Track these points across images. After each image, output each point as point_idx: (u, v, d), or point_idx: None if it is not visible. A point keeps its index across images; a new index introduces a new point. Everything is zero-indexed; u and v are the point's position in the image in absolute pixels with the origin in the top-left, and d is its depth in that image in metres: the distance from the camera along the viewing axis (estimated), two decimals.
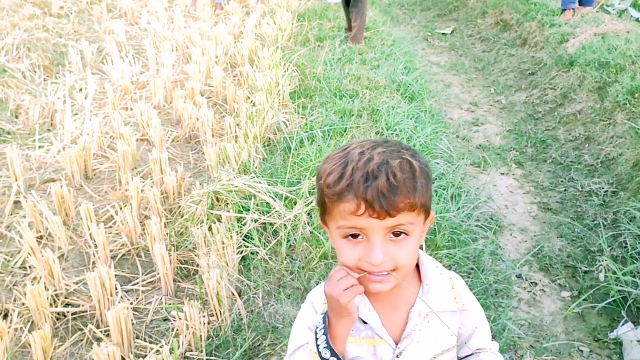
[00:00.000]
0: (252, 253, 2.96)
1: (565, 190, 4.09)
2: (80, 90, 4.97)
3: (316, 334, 1.15)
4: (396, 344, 1.21)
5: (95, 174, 3.87)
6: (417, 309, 1.21)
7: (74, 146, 3.85)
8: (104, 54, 5.81)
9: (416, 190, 1.05)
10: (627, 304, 2.91)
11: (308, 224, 3.00)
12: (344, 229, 1.08)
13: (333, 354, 1.12)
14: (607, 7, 7.44)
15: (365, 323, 1.20)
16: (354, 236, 1.08)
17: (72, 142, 4.08)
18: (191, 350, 2.52)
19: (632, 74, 4.63)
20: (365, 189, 1.02)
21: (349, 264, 1.10)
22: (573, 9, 6.57)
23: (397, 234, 1.08)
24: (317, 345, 1.14)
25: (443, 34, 8.37)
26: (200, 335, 2.52)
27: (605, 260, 3.20)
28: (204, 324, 2.54)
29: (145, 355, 2.48)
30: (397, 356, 1.21)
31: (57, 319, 2.69)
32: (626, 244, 3.31)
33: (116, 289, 2.79)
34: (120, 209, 3.31)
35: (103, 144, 4.10)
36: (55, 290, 2.78)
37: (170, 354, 2.31)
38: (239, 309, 2.63)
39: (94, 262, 3.04)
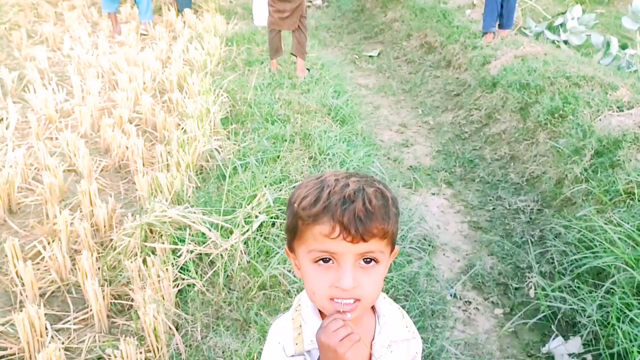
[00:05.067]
0: (188, 285, 2.91)
1: (493, 208, 4.23)
2: (1, 120, 4.78)
3: None
4: None
5: (20, 208, 3.72)
6: (379, 340, 1.23)
7: None
8: (26, 81, 5.61)
9: (389, 218, 1.08)
10: (557, 319, 3.02)
11: (245, 254, 2.98)
12: (315, 252, 1.08)
13: None
14: (525, 30, 7.79)
15: None
16: (325, 261, 1.09)
17: None
18: None
19: (551, 94, 4.85)
20: (342, 211, 1.04)
21: (319, 291, 1.11)
22: (493, 32, 6.84)
23: (367, 261, 1.10)
24: None
25: (370, 56, 8.53)
26: None
27: (535, 276, 3.33)
28: None
29: None
30: None
31: None
32: (553, 260, 3.44)
33: (46, 328, 2.68)
34: (49, 243, 3.19)
35: (27, 176, 3.95)
36: None
37: None
38: (177, 344, 2.58)
39: (21, 302, 2.90)
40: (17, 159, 3.99)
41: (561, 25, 7.53)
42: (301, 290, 1.29)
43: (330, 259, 1.09)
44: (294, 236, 1.12)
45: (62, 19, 8.07)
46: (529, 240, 3.71)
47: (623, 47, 6.85)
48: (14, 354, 2.61)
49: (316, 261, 1.10)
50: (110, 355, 2.54)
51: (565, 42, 7.32)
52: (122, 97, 5.04)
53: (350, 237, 1.04)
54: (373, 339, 1.24)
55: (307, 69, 6.37)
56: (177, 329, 2.67)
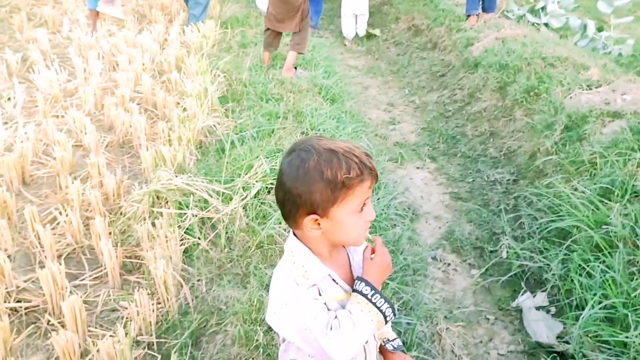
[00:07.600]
0: (193, 244, 3.22)
1: (473, 180, 4.55)
2: (9, 99, 5.02)
3: (382, 306, 1.44)
4: None
5: (33, 179, 3.98)
6: (355, 262, 1.56)
7: (8, 154, 3.94)
8: (29, 62, 5.85)
9: None
10: (526, 277, 3.35)
11: (244, 217, 3.28)
12: (361, 203, 1.41)
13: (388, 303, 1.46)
14: (508, 13, 8.07)
15: (337, 284, 1.49)
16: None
17: (7, 149, 4.15)
18: (142, 335, 2.75)
19: (527, 74, 5.17)
20: (371, 165, 1.40)
21: (362, 230, 1.44)
22: (477, 15, 7.13)
23: None
24: (384, 314, 1.44)
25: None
26: (150, 321, 2.75)
27: (507, 239, 3.65)
28: (153, 310, 2.78)
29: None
30: None
31: (11, 315, 2.84)
32: (524, 225, 3.77)
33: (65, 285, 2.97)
34: (64, 209, 3.46)
35: (38, 151, 4.20)
36: (7, 288, 2.93)
37: (126, 336, 2.54)
38: (185, 294, 2.89)
39: (40, 262, 3.18)
40: (28, 134, 4.24)
41: (542, 8, 7.82)
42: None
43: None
44: (334, 202, 1.38)
45: (60, 1, 8.22)
46: (504, 209, 4.03)
47: (599, 29, 7.17)
48: (38, 306, 2.90)
49: (361, 210, 1.42)
50: (123, 306, 2.86)
51: (546, 24, 7.62)
52: (123, 77, 5.28)
53: (376, 180, 1.42)
54: (350, 264, 1.55)
55: (295, 67, 6.12)
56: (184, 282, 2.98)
